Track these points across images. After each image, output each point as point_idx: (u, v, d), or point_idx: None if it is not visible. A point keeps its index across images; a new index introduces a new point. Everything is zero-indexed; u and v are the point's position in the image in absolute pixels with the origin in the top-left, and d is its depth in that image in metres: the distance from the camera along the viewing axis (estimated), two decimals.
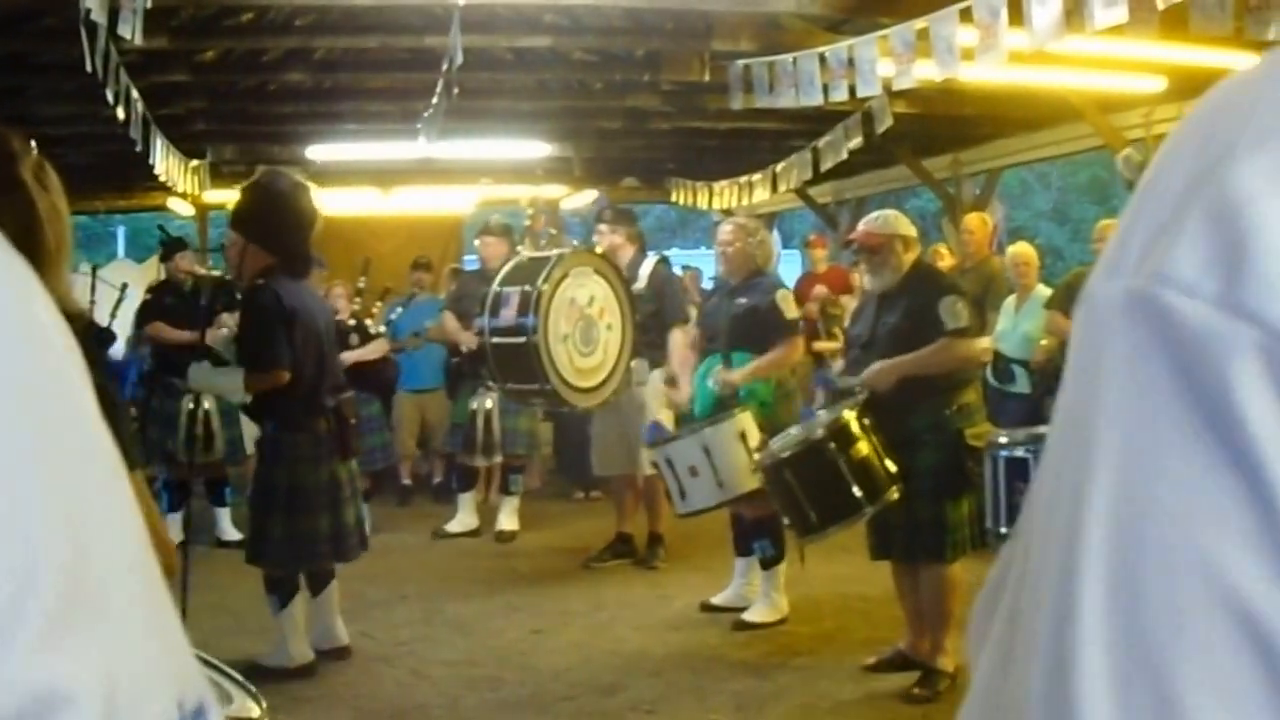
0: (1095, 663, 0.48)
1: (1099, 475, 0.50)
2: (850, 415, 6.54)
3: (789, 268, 18.27)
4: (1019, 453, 6.94)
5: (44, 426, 0.68)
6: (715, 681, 6.74)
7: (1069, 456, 0.53)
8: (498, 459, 10.39)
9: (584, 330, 8.43)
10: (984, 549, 6.46)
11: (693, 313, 9.43)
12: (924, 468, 6.38)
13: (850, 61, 7.91)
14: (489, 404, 10.13)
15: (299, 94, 12.13)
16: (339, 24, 9.62)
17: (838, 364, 7.72)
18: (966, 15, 6.72)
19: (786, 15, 8.74)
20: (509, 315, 8.30)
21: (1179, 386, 0.48)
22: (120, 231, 31.56)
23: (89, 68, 7.08)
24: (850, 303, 11.97)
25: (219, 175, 13.59)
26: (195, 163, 12.74)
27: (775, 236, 11.61)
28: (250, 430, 8.81)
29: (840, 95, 8.17)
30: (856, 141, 10.66)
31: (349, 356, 10.57)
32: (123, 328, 11.44)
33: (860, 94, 8.10)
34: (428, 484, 12.45)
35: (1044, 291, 9.69)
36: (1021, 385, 9.50)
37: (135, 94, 8.78)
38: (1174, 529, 0.48)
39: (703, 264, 17.31)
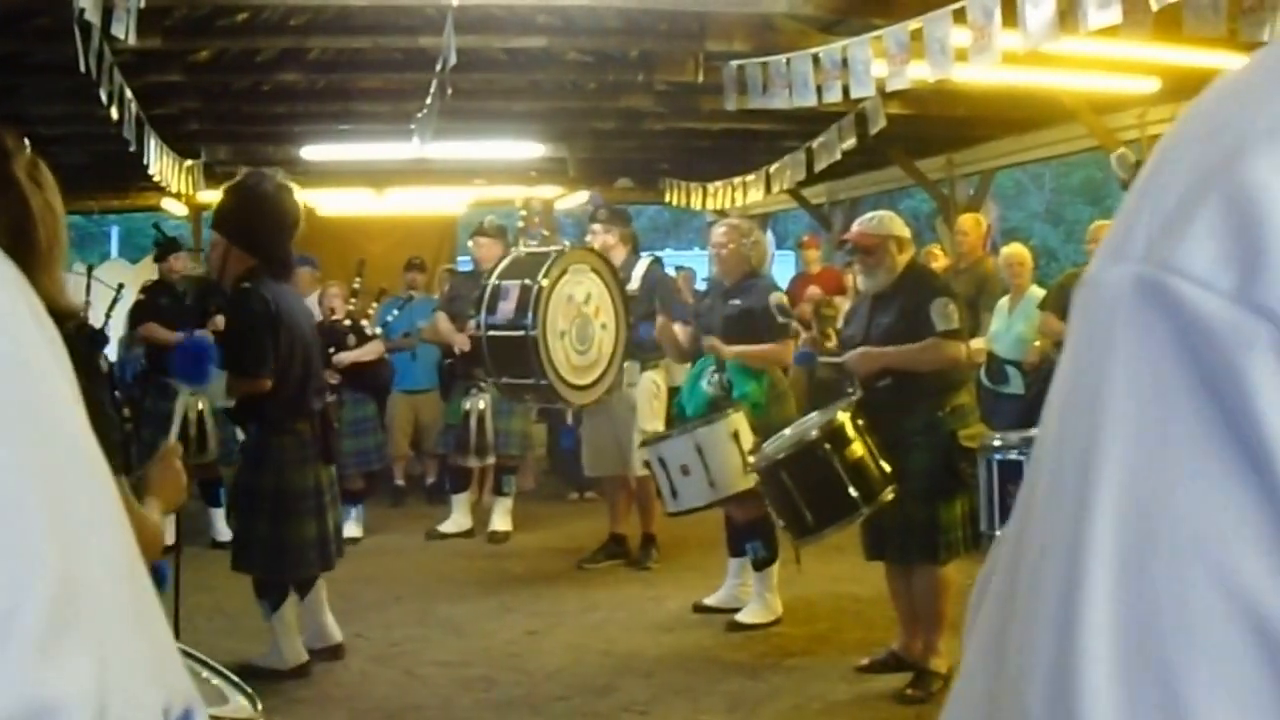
0: (1101, 661, 0.48)
1: (1106, 467, 0.50)
2: (844, 416, 6.54)
3: (783, 268, 18.31)
4: (1012, 455, 6.95)
5: (32, 437, 0.68)
6: (708, 682, 6.74)
7: (1073, 441, 0.53)
8: (490, 460, 10.38)
9: (580, 328, 8.44)
10: (977, 551, 6.46)
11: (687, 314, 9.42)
12: (917, 469, 6.39)
13: (844, 62, 7.91)
14: (482, 405, 10.13)
15: (293, 94, 12.13)
16: (333, 24, 9.62)
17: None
18: (960, 16, 6.72)
19: (780, 16, 8.74)
20: (507, 309, 8.30)
21: (1192, 381, 0.48)
22: (114, 231, 31.53)
23: (82, 67, 7.07)
24: (844, 303, 11.97)
25: (213, 175, 13.55)
26: (189, 163, 12.71)
27: (769, 237, 11.61)
28: None
29: (834, 96, 8.17)
30: (850, 142, 10.65)
31: (346, 357, 10.58)
32: (118, 328, 11.43)
33: (854, 95, 8.10)
34: (421, 485, 12.45)
35: (1037, 293, 9.70)
36: (1015, 386, 9.51)
37: (129, 94, 8.76)
38: (1185, 528, 0.47)
39: (696, 265, 17.31)
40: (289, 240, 6.68)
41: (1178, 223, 0.51)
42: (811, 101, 8.34)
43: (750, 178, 14.36)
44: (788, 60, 8.38)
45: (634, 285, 8.97)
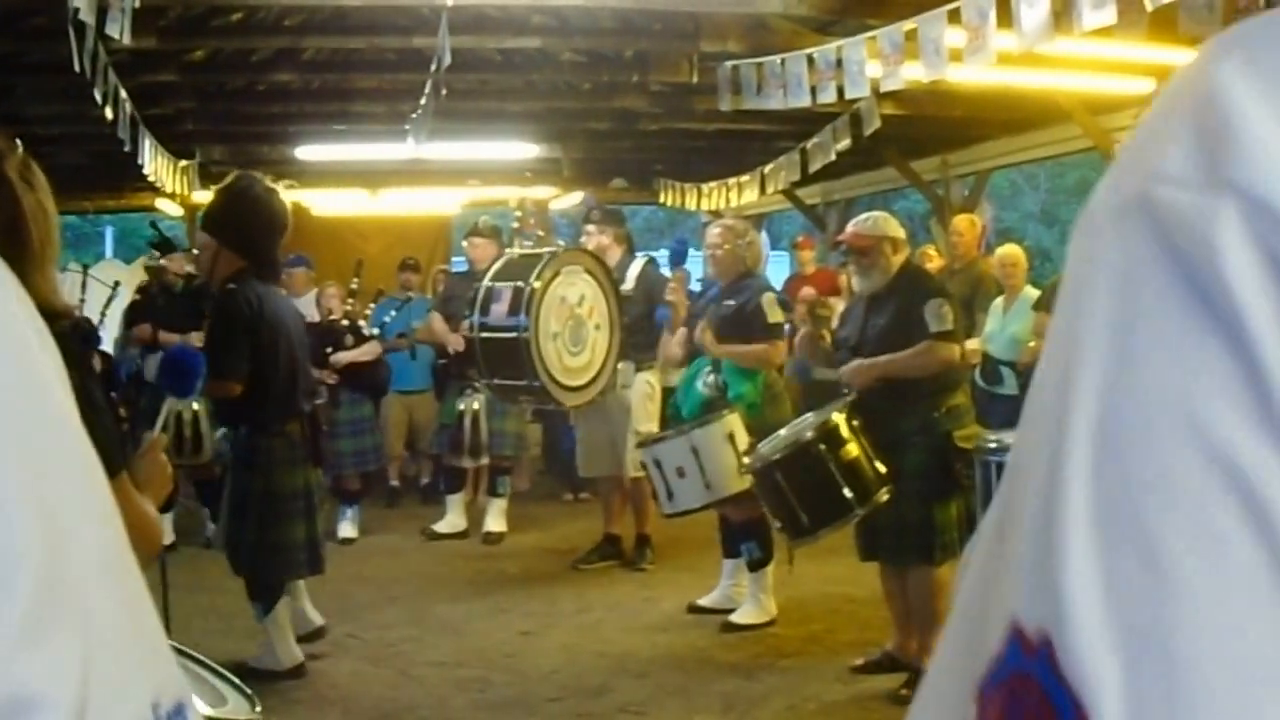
0: (1080, 517, 0.50)
1: (1087, 354, 0.52)
2: (839, 417, 6.54)
3: (777, 269, 18.33)
4: (1008, 457, 6.93)
5: (18, 429, 0.68)
6: (703, 683, 6.74)
7: (1057, 352, 0.55)
8: (485, 460, 10.38)
9: (574, 329, 8.44)
10: None
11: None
12: (912, 470, 6.39)
13: (838, 63, 7.91)
14: (476, 405, 10.12)
15: (287, 94, 12.13)
16: (327, 24, 9.62)
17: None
18: (955, 16, 6.73)
19: (774, 16, 8.74)
20: (500, 311, 8.31)
21: (1165, 261, 0.50)
22: (108, 231, 31.52)
23: (77, 67, 7.05)
24: (838, 304, 11.95)
25: (208, 176, 13.53)
26: (184, 163, 12.70)
27: (763, 238, 11.61)
28: None
29: (828, 96, 8.17)
30: (845, 143, 10.65)
31: (343, 358, 10.59)
32: (114, 326, 11.43)
33: (848, 95, 8.10)
34: (416, 485, 12.45)
35: (1032, 293, 9.69)
36: (1010, 387, 9.50)
37: (124, 94, 8.76)
38: (1159, 387, 0.49)
39: (691, 265, 17.31)
40: (278, 242, 6.71)
41: (1154, 140, 0.54)
42: (806, 102, 8.35)
43: (745, 178, 14.36)
44: (782, 61, 8.39)
45: (628, 285, 8.96)
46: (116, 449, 3.18)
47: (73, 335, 2.94)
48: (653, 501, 8.08)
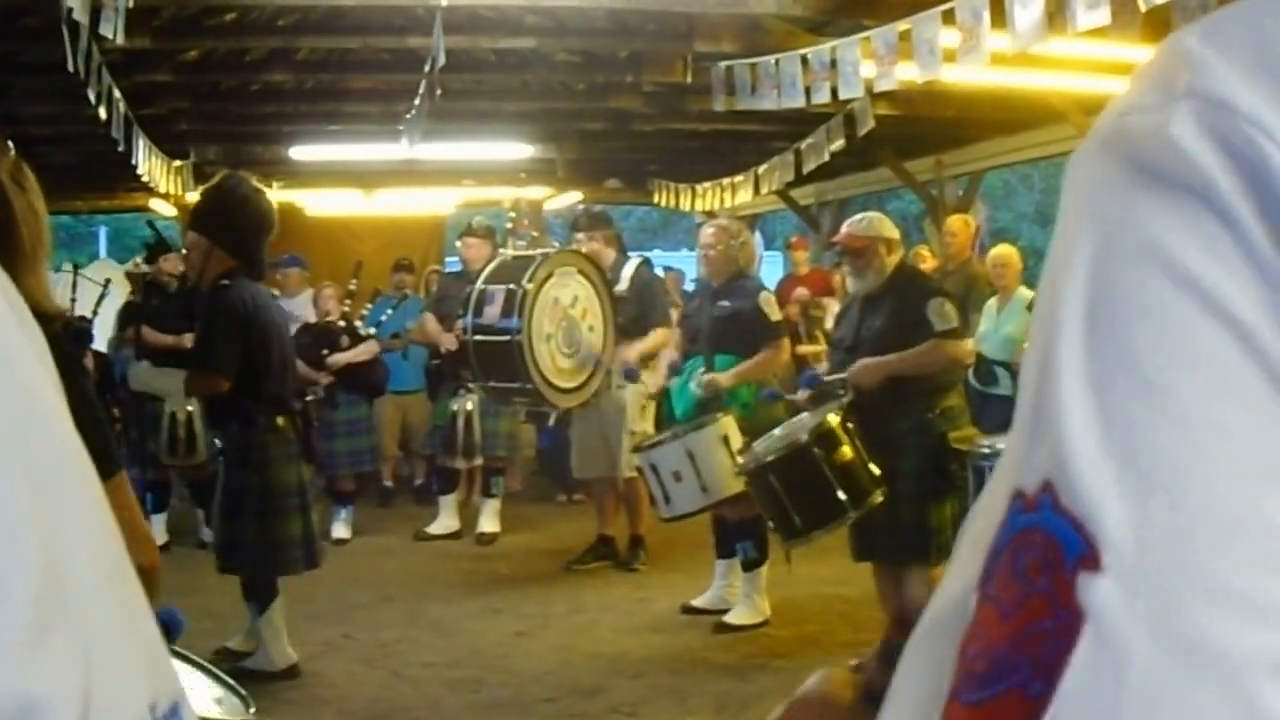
0: (1074, 364, 0.53)
1: (1076, 250, 0.56)
2: (834, 419, 6.53)
3: (770, 269, 18.27)
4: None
5: (14, 432, 0.68)
6: (696, 684, 6.74)
7: (1053, 270, 0.58)
8: (478, 461, 10.37)
9: (567, 331, 8.43)
10: None
11: (674, 315, 9.43)
12: (907, 470, 6.38)
13: (832, 63, 7.91)
14: (469, 406, 10.11)
15: (281, 94, 12.12)
16: (321, 24, 9.61)
17: (822, 366, 7.71)
18: (949, 17, 6.73)
19: (768, 17, 8.74)
20: (493, 313, 8.30)
21: (1136, 167, 0.55)
22: (102, 232, 31.52)
23: (71, 67, 7.05)
24: (832, 305, 11.98)
25: (202, 176, 13.51)
26: (178, 163, 12.70)
27: (757, 238, 11.61)
28: None
29: (822, 97, 8.17)
30: (839, 143, 10.66)
31: (340, 358, 10.60)
32: (105, 324, 11.41)
33: (842, 96, 8.10)
34: (409, 486, 12.45)
35: (1026, 294, 9.68)
36: (1004, 387, 9.49)
37: (117, 94, 8.75)
38: (1140, 244, 0.53)
39: (685, 266, 17.31)
40: (266, 242, 6.74)
41: (1126, 93, 0.59)
42: (800, 102, 8.35)
43: (739, 179, 14.37)
44: (776, 61, 8.39)
45: (622, 286, 8.96)
46: (109, 450, 3.17)
47: (65, 335, 2.94)
48: (649, 504, 8.08)
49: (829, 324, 7.56)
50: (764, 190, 13.92)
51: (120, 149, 9.73)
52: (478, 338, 8.36)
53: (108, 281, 11.22)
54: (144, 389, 7.81)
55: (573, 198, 16.32)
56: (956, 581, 0.58)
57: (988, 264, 10.15)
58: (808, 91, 8.22)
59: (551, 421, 10.13)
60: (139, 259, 11.21)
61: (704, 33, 9.19)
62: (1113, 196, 0.55)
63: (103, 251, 28.63)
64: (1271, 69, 0.53)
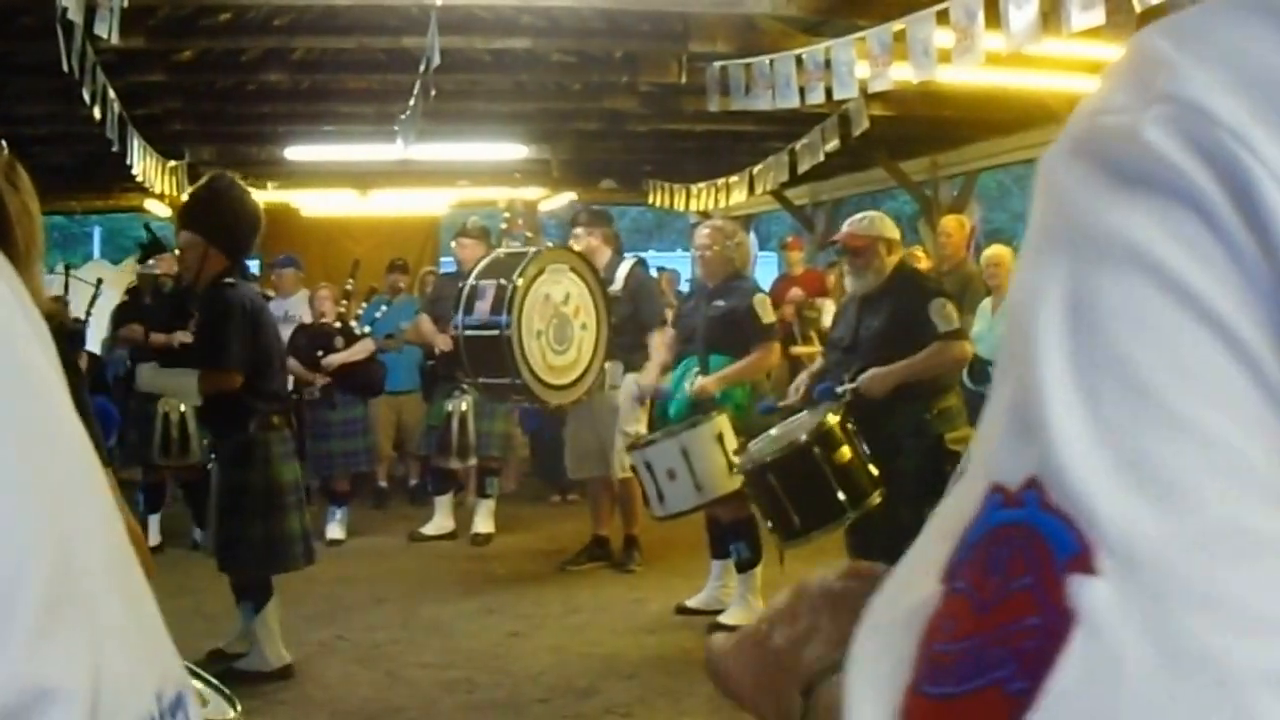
0: (1058, 364, 0.53)
1: (1051, 252, 0.56)
2: (834, 419, 6.53)
3: (765, 270, 18.31)
4: None
5: (26, 428, 0.68)
6: (691, 684, 6.72)
7: (1025, 272, 0.59)
8: (473, 461, 10.37)
9: (558, 328, 8.43)
10: None
11: (669, 315, 9.42)
12: (905, 471, 6.38)
13: (827, 63, 7.92)
14: (464, 406, 10.11)
15: (276, 94, 12.12)
16: (317, 24, 9.61)
17: (816, 364, 7.69)
18: (943, 17, 6.74)
19: (763, 17, 8.75)
20: (483, 309, 8.29)
21: (1108, 168, 0.55)
22: (96, 232, 31.50)
23: (65, 67, 7.05)
24: (826, 305, 11.98)
25: (196, 176, 13.51)
26: (172, 163, 12.68)
27: (752, 239, 11.63)
28: None
29: (817, 97, 8.18)
30: (833, 144, 10.68)
31: (335, 359, 10.59)
32: (98, 324, 11.41)
33: (837, 96, 8.11)
34: (404, 486, 12.44)
35: None
36: None
37: (112, 94, 8.74)
38: (1117, 243, 0.54)
39: (679, 266, 17.33)
40: (255, 241, 6.77)
41: (1097, 94, 0.59)
42: (794, 103, 8.36)
43: (733, 179, 14.38)
44: (771, 61, 8.40)
45: (617, 286, 8.95)
46: (100, 451, 3.17)
47: (59, 336, 2.93)
48: (642, 504, 8.07)
49: (825, 324, 7.55)
50: (759, 190, 13.93)
51: (115, 149, 9.72)
52: (469, 333, 8.37)
53: (99, 281, 11.21)
54: (151, 389, 7.81)
55: (567, 198, 16.30)
56: (919, 572, 0.58)
57: (982, 264, 10.15)
58: (802, 92, 8.23)
59: (548, 415, 10.09)
60: (133, 260, 11.20)
61: (699, 33, 9.20)
62: (1089, 198, 0.55)
63: (97, 252, 28.64)
64: (1252, 84, 0.53)
